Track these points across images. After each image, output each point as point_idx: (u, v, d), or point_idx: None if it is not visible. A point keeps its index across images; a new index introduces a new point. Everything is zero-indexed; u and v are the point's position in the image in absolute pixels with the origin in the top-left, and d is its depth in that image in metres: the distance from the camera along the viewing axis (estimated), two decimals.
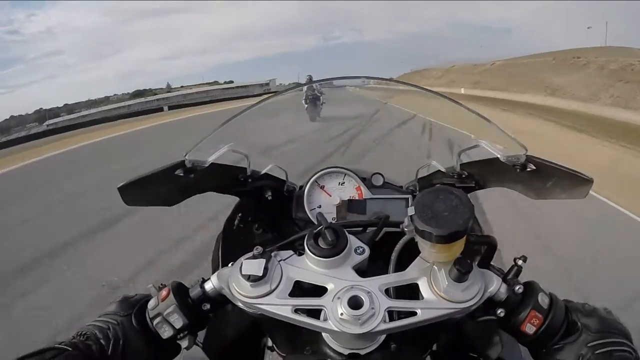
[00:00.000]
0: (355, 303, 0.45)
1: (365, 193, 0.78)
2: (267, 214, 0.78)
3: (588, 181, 0.53)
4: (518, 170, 0.57)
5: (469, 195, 0.59)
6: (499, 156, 0.60)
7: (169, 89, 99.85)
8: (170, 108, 40.97)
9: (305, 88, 5.37)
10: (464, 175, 0.71)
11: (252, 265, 0.47)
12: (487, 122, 0.61)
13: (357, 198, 0.78)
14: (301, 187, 0.80)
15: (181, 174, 0.59)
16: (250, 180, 0.73)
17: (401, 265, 0.51)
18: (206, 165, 0.62)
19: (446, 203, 0.45)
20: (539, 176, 0.57)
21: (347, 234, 0.52)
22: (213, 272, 0.57)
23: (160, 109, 39.02)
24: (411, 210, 0.46)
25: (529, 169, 0.57)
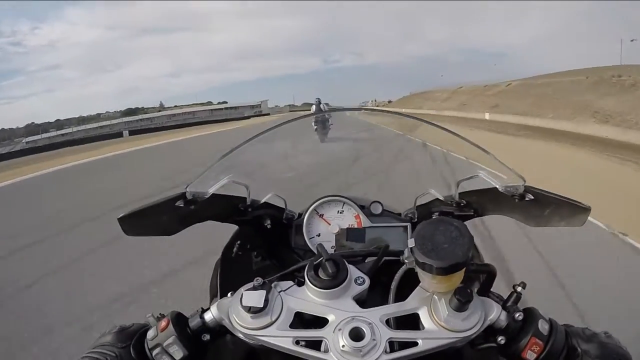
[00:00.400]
0: (356, 334, 0.46)
1: (364, 221, 0.80)
2: (266, 242, 0.80)
3: (586, 209, 0.56)
4: (517, 200, 0.60)
5: (467, 222, 0.65)
6: (497, 186, 0.63)
7: (161, 107, 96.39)
8: (134, 133, 35.28)
9: (314, 107, 10.53)
10: (462, 204, 0.73)
11: (252, 296, 0.49)
12: (484, 153, 0.64)
13: (356, 226, 0.80)
14: (300, 215, 0.82)
15: (181, 205, 0.62)
16: (249, 209, 0.76)
17: (401, 294, 0.53)
18: (207, 196, 0.64)
19: (446, 234, 0.47)
20: (537, 205, 0.60)
21: (347, 264, 0.54)
22: (211, 300, 0.63)
23: (120, 134, 33.36)
24: (411, 242, 0.48)
25: (527, 199, 0.60)
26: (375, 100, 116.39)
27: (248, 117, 74.48)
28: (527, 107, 26.61)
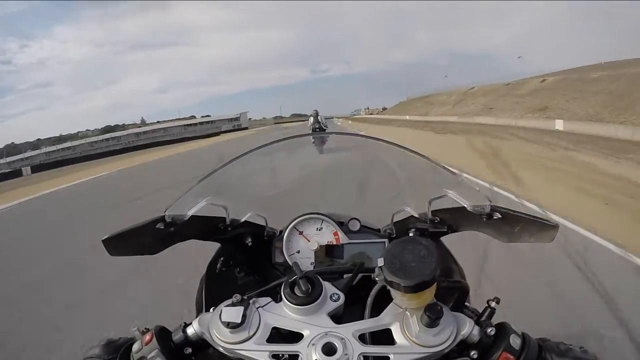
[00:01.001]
0: (329, 349, 0.49)
1: (343, 238, 0.82)
2: (248, 259, 0.83)
3: (554, 227, 0.58)
4: (485, 219, 0.64)
5: (442, 238, 0.77)
6: (465, 206, 0.66)
7: (142, 124, 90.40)
8: (35, 169, 24.95)
9: (310, 122, 11.91)
10: (436, 221, 0.76)
11: (231, 312, 0.52)
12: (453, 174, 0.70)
13: (334, 243, 0.82)
14: (281, 232, 0.85)
15: (162, 227, 0.65)
16: (229, 228, 0.79)
17: (377, 310, 0.55)
18: (185, 218, 0.67)
19: (414, 253, 0.50)
20: (507, 223, 0.63)
21: (322, 281, 0.57)
22: (197, 314, 0.65)
23: (19, 173, 23.24)
24: (380, 262, 0.51)
25: (495, 217, 0.63)
26: (368, 108, 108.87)
27: (226, 132, 66.45)
28: (599, 109, 18.25)
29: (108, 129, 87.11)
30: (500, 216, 0.63)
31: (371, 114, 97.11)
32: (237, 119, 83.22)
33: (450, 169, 0.70)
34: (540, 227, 0.60)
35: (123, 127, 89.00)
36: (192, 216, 0.69)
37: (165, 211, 0.66)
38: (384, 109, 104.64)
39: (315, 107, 12.70)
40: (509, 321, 0.54)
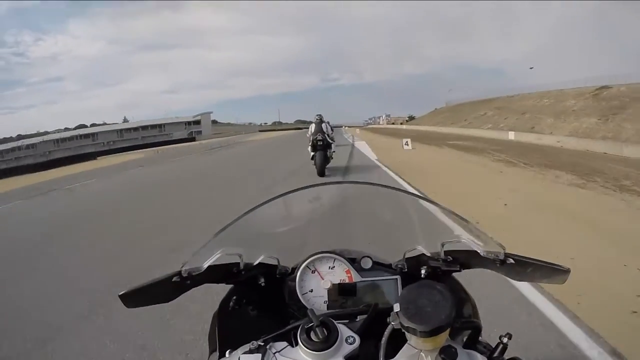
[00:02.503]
0: None
1: (355, 276, 0.85)
2: (260, 298, 0.86)
3: (565, 271, 0.61)
4: (498, 264, 0.66)
5: (455, 274, 0.81)
6: (479, 251, 0.69)
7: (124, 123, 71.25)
8: None
9: (310, 131, 8.64)
10: (448, 260, 0.79)
11: None
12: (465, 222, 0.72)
13: (347, 281, 0.85)
14: (293, 269, 0.88)
15: (178, 280, 0.69)
16: (243, 272, 0.83)
17: (392, 350, 0.57)
18: (202, 270, 0.72)
19: (429, 298, 0.52)
20: (519, 266, 0.66)
21: (337, 325, 0.59)
22: (210, 353, 0.73)
23: None
24: (396, 307, 0.53)
25: (508, 263, 0.66)
26: (390, 116, 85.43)
27: (178, 141, 48.34)
28: None
29: (81, 127, 66.62)
30: (513, 262, 0.66)
31: (392, 123, 74.55)
32: (196, 122, 61.17)
33: (462, 215, 0.73)
34: (552, 270, 0.63)
35: (100, 126, 67.47)
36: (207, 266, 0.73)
37: (182, 267, 0.70)
38: (411, 118, 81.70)
39: (325, 116, 9.29)
40: None
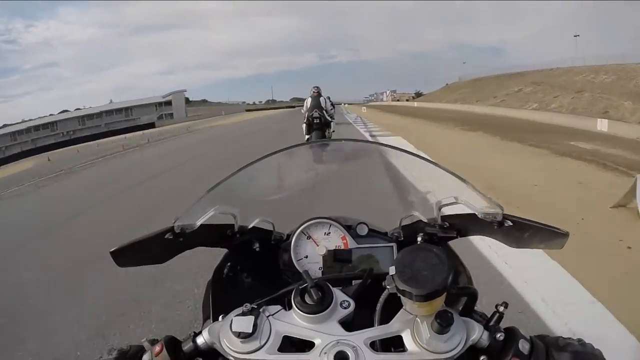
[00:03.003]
0: (341, 357, 0.51)
1: (351, 242, 0.86)
2: (255, 264, 0.86)
3: (564, 234, 0.61)
4: (495, 226, 0.66)
5: (451, 242, 0.81)
6: (476, 213, 0.69)
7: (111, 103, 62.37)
8: None
9: (307, 104, 7.47)
10: (445, 226, 0.79)
11: (241, 322, 0.53)
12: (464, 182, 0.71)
13: (343, 247, 0.86)
14: (288, 236, 0.89)
15: (170, 237, 0.68)
16: (237, 235, 0.83)
17: (387, 316, 0.58)
18: (195, 228, 0.71)
19: (426, 261, 0.51)
20: (517, 229, 0.65)
21: (332, 289, 0.59)
22: (204, 321, 0.72)
23: None
24: (392, 270, 0.52)
25: (506, 225, 0.65)
26: (396, 92, 76.96)
27: (143, 128, 40.82)
28: None
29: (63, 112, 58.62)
30: (511, 224, 0.65)
31: (398, 100, 66.45)
32: (167, 103, 52.96)
33: (460, 175, 0.71)
34: (550, 234, 0.63)
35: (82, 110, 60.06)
36: (200, 225, 0.72)
37: (174, 222, 0.68)
38: (418, 94, 73.40)
39: (323, 93, 7.84)
40: None
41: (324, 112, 7.40)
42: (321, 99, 7.49)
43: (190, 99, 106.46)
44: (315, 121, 7.33)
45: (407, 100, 66.63)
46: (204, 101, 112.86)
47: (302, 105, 8.00)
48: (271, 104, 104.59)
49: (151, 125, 43.45)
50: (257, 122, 28.87)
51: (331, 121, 7.79)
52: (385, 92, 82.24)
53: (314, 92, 7.51)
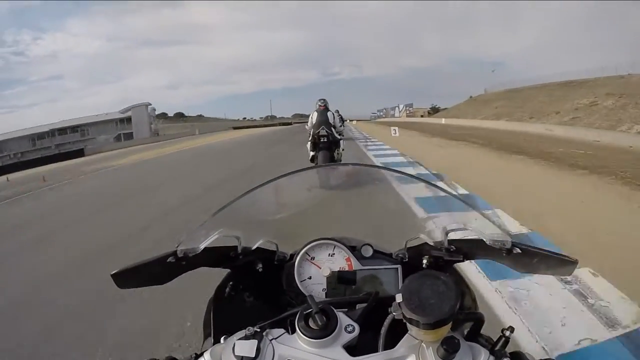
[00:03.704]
0: None
1: (355, 264, 0.85)
2: (257, 284, 0.86)
3: (573, 262, 0.62)
4: (504, 253, 0.66)
5: (457, 265, 0.81)
6: (485, 240, 0.69)
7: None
8: None
9: (313, 119, 6.53)
10: (452, 249, 0.79)
11: (244, 346, 0.53)
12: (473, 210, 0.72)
13: (347, 269, 0.85)
14: (292, 256, 0.88)
15: (173, 261, 0.68)
16: (241, 256, 0.82)
17: (391, 340, 0.58)
18: (198, 252, 0.71)
19: (433, 289, 0.51)
20: (526, 256, 0.65)
21: (337, 313, 0.59)
22: (204, 339, 0.73)
23: None
24: (399, 298, 0.52)
25: (515, 252, 0.65)
26: (412, 107, 68.13)
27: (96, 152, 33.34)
28: None
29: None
30: (520, 251, 0.65)
31: (412, 115, 57.82)
32: (128, 120, 44.27)
33: (469, 202, 0.71)
34: (560, 262, 0.63)
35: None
36: (204, 248, 0.73)
37: (177, 246, 0.68)
38: (435, 109, 65.00)
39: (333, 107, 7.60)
40: None
41: (332, 129, 6.41)
42: (329, 113, 6.53)
43: (186, 114, 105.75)
44: (322, 140, 6.32)
45: (421, 115, 58.23)
46: (200, 116, 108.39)
47: (304, 122, 8.30)
48: (269, 121, 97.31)
49: (80, 153, 33.69)
50: (224, 148, 20.92)
51: (340, 139, 6.84)
52: (398, 106, 72.08)
53: (320, 105, 6.58)
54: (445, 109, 59.28)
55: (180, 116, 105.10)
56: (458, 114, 40.53)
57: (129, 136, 44.02)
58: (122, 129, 45.31)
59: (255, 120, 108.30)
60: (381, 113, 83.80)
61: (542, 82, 35.73)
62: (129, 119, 45.81)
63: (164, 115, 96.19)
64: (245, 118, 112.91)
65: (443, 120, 33.62)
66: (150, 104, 49.08)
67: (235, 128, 65.95)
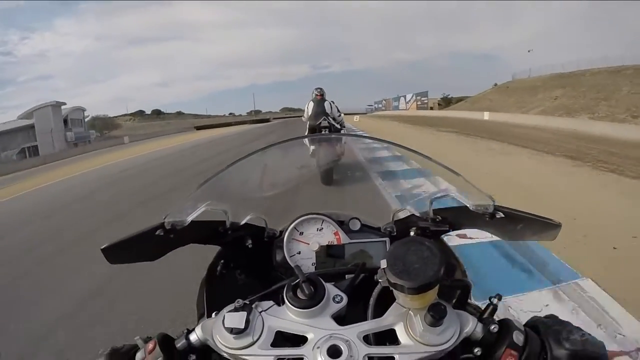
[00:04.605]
0: (334, 351, 0.52)
1: (343, 238, 0.87)
2: (248, 261, 0.88)
3: (557, 225, 0.63)
4: (487, 218, 0.68)
5: (444, 236, 0.84)
6: (468, 205, 0.71)
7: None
8: None
9: (309, 109, 6.29)
10: (437, 219, 0.82)
11: (234, 318, 0.55)
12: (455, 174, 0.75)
13: (335, 243, 0.88)
14: (281, 232, 0.91)
15: (161, 234, 0.69)
16: (230, 231, 0.84)
17: (380, 310, 0.60)
18: (185, 224, 0.72)
19: (417, 254, 0.53)
20: (510, 221, 0.67)
21: (324, 283, 0.61)
22: (198, 319, 0.74)
23: None
24: (383, 263, 0.54)
25: (498, 217, 0.67)
26: (426, 97, 55.81)
27: None
28: None
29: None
30: (503, 215, 0.67)
31: (431, 108, 47.91)
32: (31, 127, 32.73)
33: (452, 168, 0.73)
34: (543, 225, 0.64)
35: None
36: (192, 221, 0.73)
37: (164, 218, 0.69)
38: (447, 100, 55.23)
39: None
40: None
41: (332, 119, 6.14)
42: (326, 103, 6.25)
43: (166, 112, 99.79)
44: (323, 132, 5.91)
45: (431, 108, 48.70)
46: (179, 113, 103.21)
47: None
48: (253, 116, 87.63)
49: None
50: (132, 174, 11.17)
51: (341, 129, 6.56)
52: (404, 96, 58.63)
53: (316, 94, 6.29)
54: (463, 99, 49.75)
55: (157, 114, 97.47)
56: (492, 106, 31.06)
57: (32, 151, 32.26)
58: (28, 140, 33.58)
59: (241, 115, 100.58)
60: (379, 105, 73.68)
61: (605, 66, 26.77)
62: (28, 127, 33.77)
63: (141, 113, 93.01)
64: (231, 114, 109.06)
65: (486, 115, 24.01)
66: (64, 104, 37.39)
67: (198, 128, 53.84)
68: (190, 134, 36.20)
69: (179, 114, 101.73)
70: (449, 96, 56.18)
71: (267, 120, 60.20)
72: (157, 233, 0.68)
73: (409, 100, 55.71)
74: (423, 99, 51.67)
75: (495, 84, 42.00)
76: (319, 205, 0.91)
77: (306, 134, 6.20)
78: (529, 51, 46.14)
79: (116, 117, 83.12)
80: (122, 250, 0.66)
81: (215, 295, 0.77)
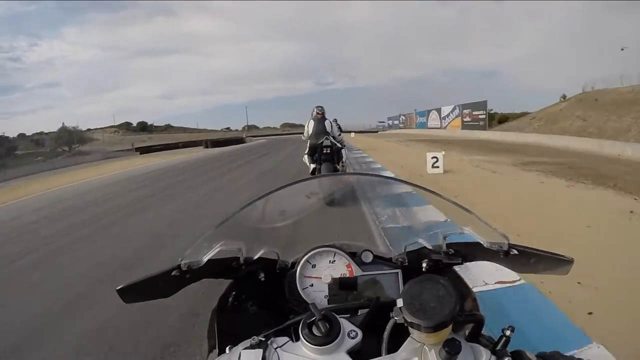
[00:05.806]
0: None
1: (356, 270, 0.88)
2: (260, 293, 0.89)
3: (569, 261, 0.65)
4: (501, 255, 0.70)
5: (456, 267, 0.85)
6: (482, 242, 0.73)
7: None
8: None
9: (309, 128, 6.46)
10: (450, 252, 0.83)
11: (250, 355, 0.56)
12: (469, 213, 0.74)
13: (348, 275, 0.89)
14: (293, 264, 0.92)
15: (177, 274, 0.72)
16: (243, 266, 0.86)
17: (394, 344, 0.61)
18: (201, 264, 0.75)
19: (433, 293, 0.54)
20: (523, 257, 0.69)
21: (339, 319, 0.63)
22: (209, 351, 0.76)
23: None
24: (400, 302, 0.55)
25: (512, 254, 0.69)
26: (470, 110, 42.37)
27: None
28: None
29: None
30: (517, 253, 0.68)
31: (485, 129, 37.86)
32: None
33: (465, 206, 0.74)
34: (555, 261, 0.66)
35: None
36: (207, 260, 0.75)
37: (180, 260, 0.71)
38: (490, 116, 45.33)
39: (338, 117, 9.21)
40: None
41: (332, 138, 6.59)
42: (326, 122, 6.59)
43: (155, 124, 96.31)
44: (324, 151, 6.37)
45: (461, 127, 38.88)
46: (168, 126, 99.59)
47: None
48: (246, 132, 78.15)
49: None
50: None
51: (342, 148, 6.83)
52: (438, 110, 44.08)
53: (317, 113, 6.58)
54: (510, 116, 39.68)
55: (143, 128, 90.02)
56: (587, 127, 21.28)
57: None
58: None
59: (237, 130, 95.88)
60: (396, 122, 63.77)
61: None
62: None
63: (127, 125, 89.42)
64: (228, 128, 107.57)
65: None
66: None
67: (141, 152, 35.74)
68: (135, 161, 25.17)
69: (168, 127, 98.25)
70: (492, 111, 44.85)
71: (238, 142, 41.65)
72: (173, 274, 0.70)
73: (447, 115, 42.23)
74: (475, 113, 36.67)
75: (564, 96, 32.51)
76: (324, 218, 0.96)
77: (306, 152, 6.42)
78: (622, 49, 35.38)
79: (103, 128, 79.88)
80: (137, 291, 0.68)
81: (226, 327, 0.77)
